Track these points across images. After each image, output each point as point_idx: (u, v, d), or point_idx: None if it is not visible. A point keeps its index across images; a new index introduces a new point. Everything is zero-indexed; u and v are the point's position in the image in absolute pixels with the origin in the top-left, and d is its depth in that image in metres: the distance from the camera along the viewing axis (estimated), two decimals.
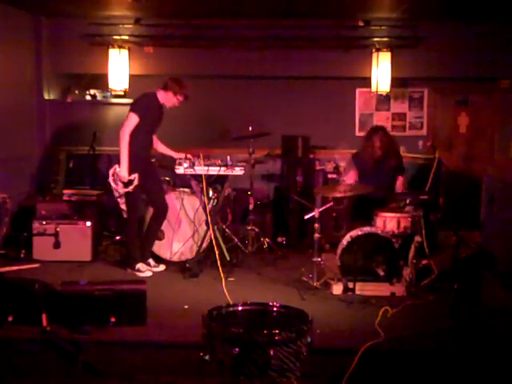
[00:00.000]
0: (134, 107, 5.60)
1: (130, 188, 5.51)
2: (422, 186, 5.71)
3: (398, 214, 5.35)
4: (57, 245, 5.99)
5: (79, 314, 4.15)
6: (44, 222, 6.03)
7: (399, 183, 6.07)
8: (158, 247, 6.04)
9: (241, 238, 6.43)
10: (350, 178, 5.93)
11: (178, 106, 5.75)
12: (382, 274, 5.13)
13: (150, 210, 5.91)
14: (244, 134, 6.54)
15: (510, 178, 6.09)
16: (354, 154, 6.22)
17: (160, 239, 6.02)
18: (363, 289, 5.02)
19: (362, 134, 7.78)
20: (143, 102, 5.67)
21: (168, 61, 7.52)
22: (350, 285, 5.01)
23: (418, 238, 5.21)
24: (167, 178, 6.46)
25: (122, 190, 5.54)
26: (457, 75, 7.66)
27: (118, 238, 6.71)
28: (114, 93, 7.64)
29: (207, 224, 5.77)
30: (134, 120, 5.51)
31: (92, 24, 7.41)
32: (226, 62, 7.53)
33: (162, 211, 5.84)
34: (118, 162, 5.50)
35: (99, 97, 7.89)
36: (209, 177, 5.73)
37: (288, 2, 6.56)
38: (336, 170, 7.47)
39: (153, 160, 5.99)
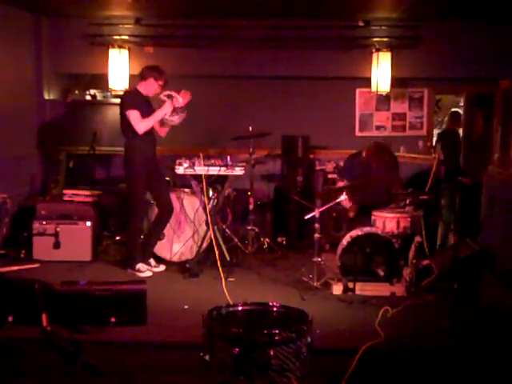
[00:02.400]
0: (127, 105, 5.58)
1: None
2: (422, 186, 5.71)
3: (398, 214, 5.35)
4: (57, 245, 5.99)
5: (79, 313, 4.15)
6: (44, 222, 6.03)
7: None
8: (159, 247, 6.03)
9: (241, 238, 6.43)
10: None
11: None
12: (382, 274, 5.13)
13: (155, 210, 5.91)
14: (244, 134, 6.54)
15: (510, 178, 6.09)
16: (346, 165, 6.22)
17: (160, 239, 6.02)
18: (363, 289, 5.02)
19: (362, 134, 7.83)
20: (130, 97, 5.72)
21: (168, 61, 7.50)
22: (350, 285, 5.01)
23: (418, 238, 5.21)
24: (167, 178, 6.46)
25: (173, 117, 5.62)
26: (457, 75, 7.66)
27: (118, 238, 6.72)
28: (114, 93, 7.64)
29: (207, 224, 5.77)
30: (136, 114, 5.50)
31: (92, 24, 7.42)
32: (226, 61, 7.53)
33: (166, 211, 5.84)
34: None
35: (99, 97, 7.89)
36: (209, 177, 5.74)
37: (288, 2, 6.56)
38: (336, 170, 7.47)
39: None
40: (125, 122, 5.58)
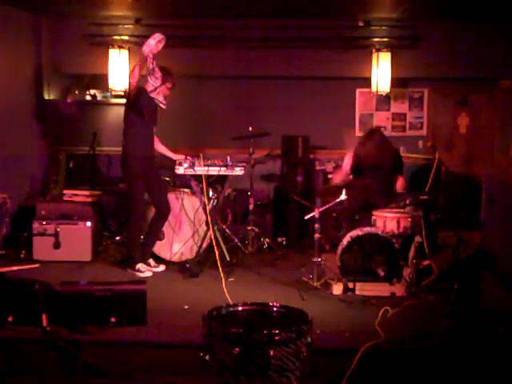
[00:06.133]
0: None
1: None
2: (422, 186, 5.71)
3: (398, 214, 5.35)
4: (57, 245, 5.99)
5: (79, 314, 4.15)
6: (44, 222, 6.03)
7: (399, 184, 6.09)
8: (158, 247, 6.03)
9: (241, 238, 6.43)
10: (337, 178, 5.97)
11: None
12: (382, 274, 5.12)
13: (152, 210, 5.91)
14: (244, 134, 6.54)
15: (510, 178, 6.09)
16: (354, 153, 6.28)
17: (160, 239, 6.02)
18: (363, 289, 5.02)
19: (362, 134, 7.82)
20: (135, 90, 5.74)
21: (168, 61, 7.50)
22: (350, 285, 5.01)
23: (418, 239, 5.21)
24: (167, 179, 6.46)
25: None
26: (457, 75, 7.66)
27: (117, 238, 6.72)
28: (114, 93, 7.63)
29: (207, 224, 5.77)
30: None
31: (92, 24, 7.41)
32: (226, 62, 7.53)
33: (163, 211, 5.84)
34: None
35: (99, 97, 7.88)
36: (209, 177, 5.74)
37: (288, 2, 6.56)
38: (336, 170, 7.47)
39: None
40: (127, 118, 5.62)
